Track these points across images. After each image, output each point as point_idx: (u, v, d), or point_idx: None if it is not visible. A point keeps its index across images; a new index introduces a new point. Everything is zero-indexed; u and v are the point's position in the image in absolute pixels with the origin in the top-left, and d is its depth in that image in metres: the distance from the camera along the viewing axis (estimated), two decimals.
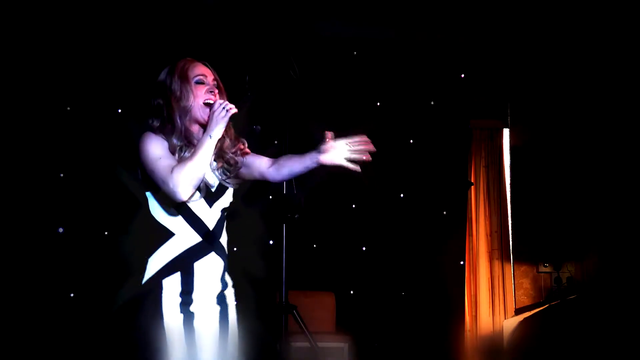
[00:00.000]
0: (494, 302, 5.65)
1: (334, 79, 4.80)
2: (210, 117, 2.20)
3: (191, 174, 2.12)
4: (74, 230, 4.26)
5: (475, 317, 5.63)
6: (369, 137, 2.49)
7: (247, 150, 2.39)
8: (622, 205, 4.82)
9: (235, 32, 4.57)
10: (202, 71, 2.29)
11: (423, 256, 4.82)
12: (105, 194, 4.28)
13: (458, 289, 4.98)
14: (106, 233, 4.30)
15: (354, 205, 4.81)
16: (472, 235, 5.69)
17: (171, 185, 2.10)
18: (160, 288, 2.16)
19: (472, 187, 5.64)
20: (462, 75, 4.95)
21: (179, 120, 2.23)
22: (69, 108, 4.33)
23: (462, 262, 4.98)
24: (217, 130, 2.18)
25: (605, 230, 5.04)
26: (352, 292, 4.77)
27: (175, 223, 2.20)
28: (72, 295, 4.20)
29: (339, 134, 2.54)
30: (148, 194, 2.24)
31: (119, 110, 4.36)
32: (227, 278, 2.33)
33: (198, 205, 2.22)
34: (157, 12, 4.45)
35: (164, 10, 4.45)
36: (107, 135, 4.30)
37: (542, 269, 5.49)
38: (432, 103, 4.94)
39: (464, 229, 5.12)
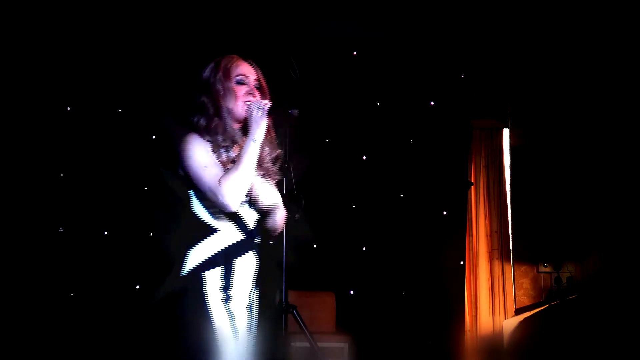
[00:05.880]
0: (494, 302, 5.64)
1: (334, 79, 4.80)
2: (248, 120, 2.19)
3: (239, 183, 2.11)
4: (74, 230, 4.26)
5: (475, 317, 5.63)
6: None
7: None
8: (622, 205, 4.82)
9: (235, 32, 4.57)
10: (244, 70, 2.28)
11: (423, 256, 4.82)
12: (105, 194, 4.29)
13: (458, 289, 4.98)
14: (106, 233, 4.30)
15: (354, 205, 4.81)
16: (472, 235, 5.68)
17: (220, 198, 2.09)
18: (201, 280, 2.15)
19: (472, 187, 5.64)
20: (462, 75, 4.95)
21: (225, 119, 2.21)
22: (69, 108, 4.33)
23: (462, 262, 4.98)
24: (259, 132, 2.16)
25: (606, 230, 5.04)
26: (352, 292, 4.77)
27: (218, 221, 2.19)
28: (72, 295, 4.21)
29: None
30: (191, 192, 2.23)
31: (119, 110, 4.37)
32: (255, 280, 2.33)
33: (242, 204, 2.21)
34: (157, 11, 4.45)
35: (165, 10, 4.46)
36: (107, 135, 4.30)
37: (542, 269, 5.49)
38: (432, 103, 4.94)
39: (464, 229, 5.12)
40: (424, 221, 4.86)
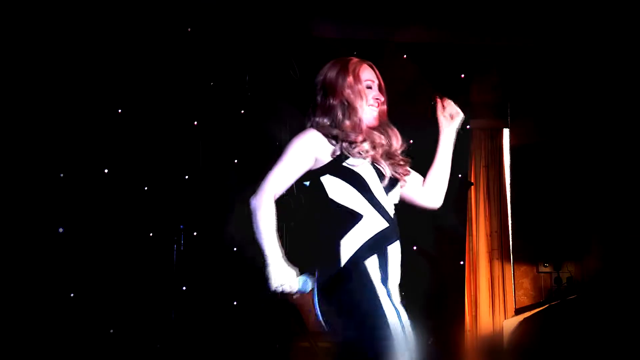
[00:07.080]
0: (494, 302, 5.65)
1: None
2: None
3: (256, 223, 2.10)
4: (74, 230, 4.26)
5: (475, 317, 5.63)
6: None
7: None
8: (622, 205, 4.82)
9: (235, 32, 4.57)
10: (370, 76, 2.31)
11: (423, 256, 4.82)
12: (105, 194, 4.29)
13: (458, 289, 4.97)
14: (106, 233, 4.30)
15: None
16: (472, 235, 5.69)
17: (253, 201, 2.10)
18: (365, 269, 2.09)
19: (472, 187, 5.64)
20: (462, 75, 4.95)
21: (354, 122, 2.21)
22: (68, 108, 4.33)
23: (462, 262, 4.97)
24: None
25: (606, 230, 5.04)
26: None
27: (361, 205, 2.16)
28: (72, 295, 4.20)
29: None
30: (323, 178, 2.19)
31: (119, 111, 4.37)
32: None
33: (379, 191, 2.20)
34: (157, 11, 4.45)
35: (165, 10, 4.45)
36: (107, 135, 4.30)
37: (542, 269, 5.49)
38: (432, 103, 4.93)
39: (464, 229, 5.11)
40: (423, 221, 4.85)
